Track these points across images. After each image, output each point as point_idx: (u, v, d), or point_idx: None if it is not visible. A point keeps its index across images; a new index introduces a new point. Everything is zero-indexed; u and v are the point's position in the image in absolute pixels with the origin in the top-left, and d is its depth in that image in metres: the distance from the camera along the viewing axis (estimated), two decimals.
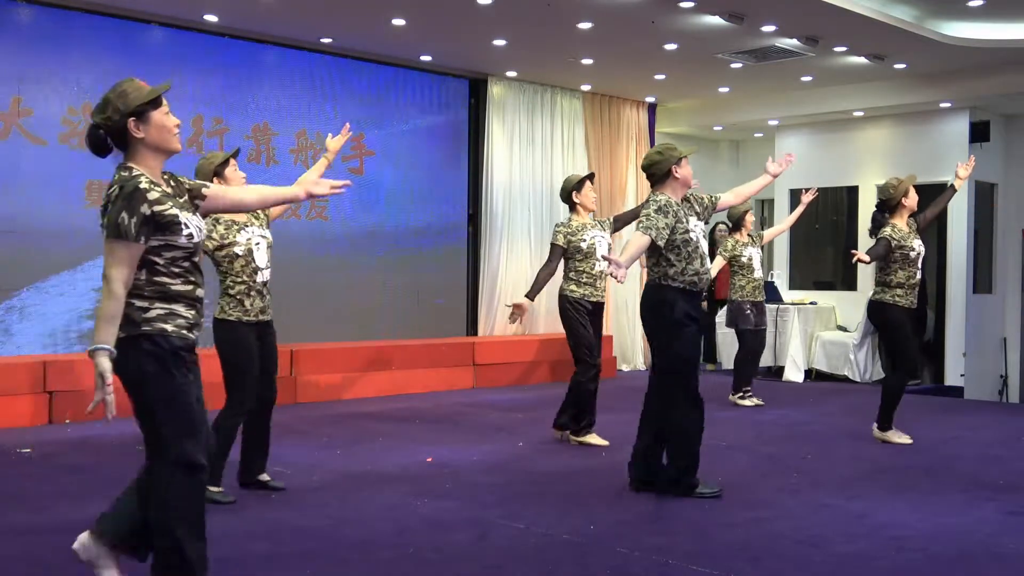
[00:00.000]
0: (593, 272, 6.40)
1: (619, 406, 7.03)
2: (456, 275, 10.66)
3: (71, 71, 8.04)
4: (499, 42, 9.16)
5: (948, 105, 10.62)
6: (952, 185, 6.90)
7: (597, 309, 6.48)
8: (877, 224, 6.69)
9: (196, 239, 3.17)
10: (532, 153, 11.03)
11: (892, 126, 11.35)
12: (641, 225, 4.90)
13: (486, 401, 8.72)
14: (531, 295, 6.55)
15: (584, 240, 6.37)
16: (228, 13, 8.32)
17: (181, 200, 3.25)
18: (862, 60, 9.55)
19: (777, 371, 10.81)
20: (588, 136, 11.46)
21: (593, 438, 6.54)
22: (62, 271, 8.02)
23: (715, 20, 8.19)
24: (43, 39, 7.89)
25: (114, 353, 3.02)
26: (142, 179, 3.13)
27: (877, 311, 6.64)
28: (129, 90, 3.18)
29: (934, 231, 10.88)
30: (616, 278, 4.55)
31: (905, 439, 6.64)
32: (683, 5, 7.82)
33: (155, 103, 3.21)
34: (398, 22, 8.47)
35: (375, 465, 5.66)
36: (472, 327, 10.80)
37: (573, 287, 6.43)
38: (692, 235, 4.95)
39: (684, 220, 4.95)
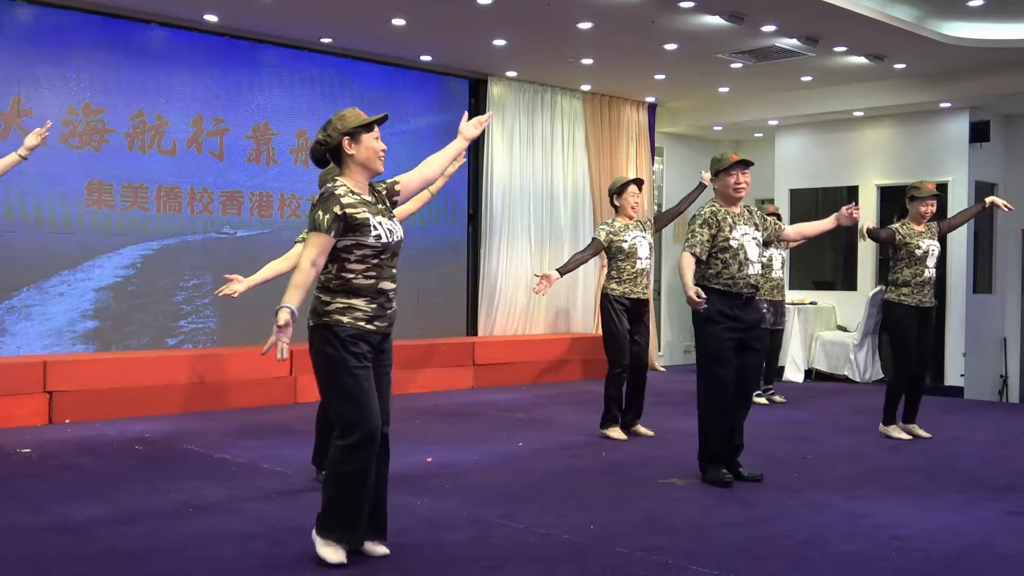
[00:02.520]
0: (634, 270, 6.66)
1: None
2: (456, 275, 10.66)
3: (71, 71, 8.04)
4: (499, 42, 9.16)
5: (948, 105, 10.62)
6: (985, 202, 6.96)
7: (637, 306, 6.73)
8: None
9: (385, 240, 3.74)
10: (532, 153, 11.02)
11: (892, 126, 11.35)
12: (687, 244, 5.32)
13: (486, 401, 8.72)
14: (562, 271, 6.75)
15: (626, 241, 6.67)
16: (228, 13, 8.32)
17: (381, 207, 3.84)
18: (862, 60, 9.55)
19: (777, 371, 10.81)
20: (588, 136, 11.46)
21: (612, 431, 6.73)
22: (62, 271, 8.02)
23: (715, 20, 8.19)
24: (43, 39, 7.89)
25: (295, 313, 3.56)
26: (341, 187, 3.75)
27: (886, 309, 6.81)
28: (348, 115, 3.84)
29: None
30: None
31: (903, 435, 6.74)
32: (683, 5, 7.82)
33: (368, 128, 3.84)
34: (398, 22, 8.47)
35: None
36: (472, 327, 10.80)
37: (614, 285, 6.71)
38: (732, 243, 5.28)
39: (727, 228, 5.29)
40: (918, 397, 6.87)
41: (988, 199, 6.95)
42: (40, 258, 7.89)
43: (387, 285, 3.80)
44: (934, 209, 6.78)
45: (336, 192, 3.71)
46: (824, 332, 11.26)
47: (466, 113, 4.28)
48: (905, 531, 4.36)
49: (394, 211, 3.97)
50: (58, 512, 4.59)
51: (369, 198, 3.84)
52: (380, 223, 3.76)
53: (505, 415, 7.91)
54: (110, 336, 8.25)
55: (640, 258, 6.69)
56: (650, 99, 11.95)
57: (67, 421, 7.24)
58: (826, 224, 5.71)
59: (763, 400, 8.55)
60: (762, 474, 5.45)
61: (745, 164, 5.44)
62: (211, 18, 8.40)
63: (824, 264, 12.32)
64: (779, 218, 8.84)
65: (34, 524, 4.39)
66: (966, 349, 10.70)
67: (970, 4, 8.23)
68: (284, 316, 3.54)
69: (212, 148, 8.82)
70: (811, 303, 11.35)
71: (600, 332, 7.24)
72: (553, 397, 9.02)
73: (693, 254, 5.26)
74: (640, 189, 6.88)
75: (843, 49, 9.18)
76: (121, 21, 8.26)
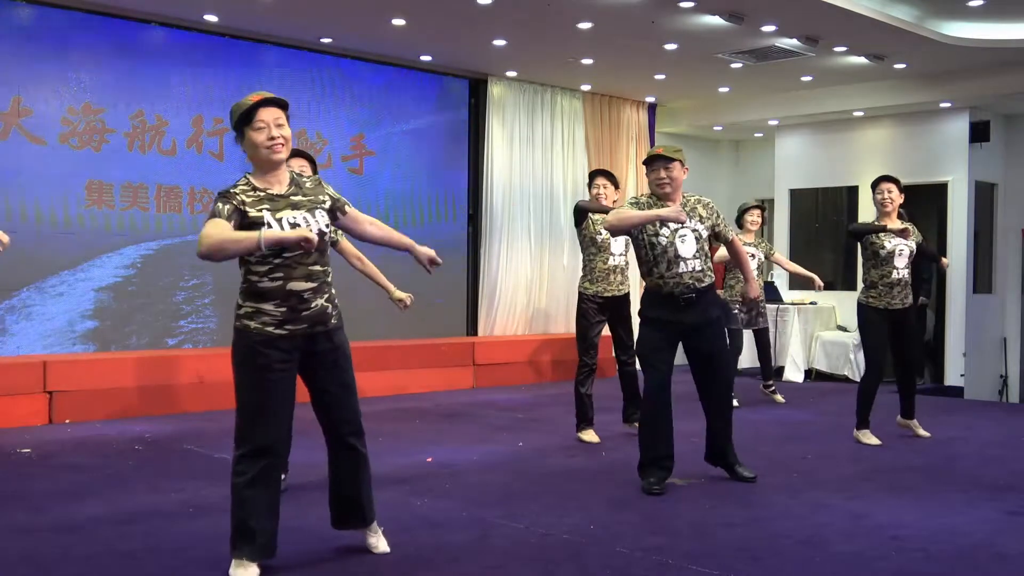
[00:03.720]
0: (606, 266, 6.49)
1: (620, 406, 7.02)
2: (456, 275, 10.66)
3: (71, 71, 8.04)
4: (499, 42, 9.17)
5: (948, 105, 10.62)
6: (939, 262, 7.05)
7: (615, 303, 6.56)
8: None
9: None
10: (532, 153, 11.02)
11: (892, 126, 11.35)
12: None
13: (486, 401, 8.72)
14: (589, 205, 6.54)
15: (599, 234, 6.46)
16: (228, 13, 8.32)
17: (300, 200, 3.59)
18: (862, 60, 9.55)
19: (777, 371, 10.81)
20: (588, 136, 11.46)
21: (586, 435, 6.61)
22: (62, 271, 8.03)
23: (715, 20, 8.19)
24: (43, 39, 7.89)
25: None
26: (241, 185, 3.59)
27: (857, 311, 6.65)
28: (233, 107, 3.62)
29: (934, 231, 10.88)
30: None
31: (874, 440, 6.55)
32: (683, 5, 7.82)
33: (246, 119, 3.58)
34: (398, 22, 8.47)
35: (375, 465, 5.61)
36: (472, 327, 10.81)
37: (587, 284, 6.58)
38: (662, 239, 5.07)
39: (656, 223, 5.06)
40: (910, 394, 6.78)
41: (944, 261, 7.02)
42: (40, 258, 7.89)
43: (299, 285, 3.54)
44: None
45: (232, 190, 3.56)
46: (824, 332, 11.26)
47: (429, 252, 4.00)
48: (905, 531, 4.36)
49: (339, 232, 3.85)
50: (58, 512, 4.60)
51: (279, 191, 3.59)
52: (281, 218, 3.51)
53: (505, 415, 7.91)
54: (110, 336, 8.25)
55: (613, 254, 6.47)
56: (650, 99, 11.96)
57: (67, 421, 7.25)
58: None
59: (735, 403, 8.25)
60: (755, 476, 5.40)
61: (664, 159, 5.09)
62: (211, 18, 8.40)
63: (824, 264, 12.31)
64: (763, 210, 8.74)
65: (34, 524, 4.39)
66: (966, 349, 10.70)
67: (970, 4, 8.23)
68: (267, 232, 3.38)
69: (212, 148, 8.82)
70: (811, 303, 11.35)
71: (608, 332, 7.08)
72: (553, 397, 9.02)
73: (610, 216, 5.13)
74: (610, 182, 6.67)
75: (843, 49, 9.18)
76: (121, 21, 8.26)
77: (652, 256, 5.10)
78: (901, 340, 6.57)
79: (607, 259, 6.48)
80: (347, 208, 3.78)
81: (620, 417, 7.00)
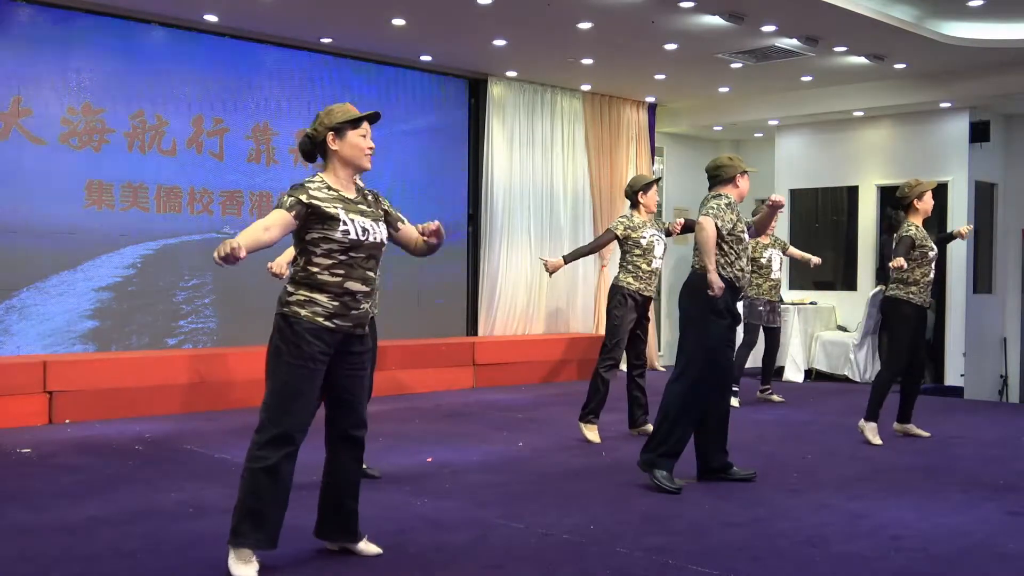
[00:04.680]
0: (649, 268, 6.66)
1: (621, 406, 7.03)
2: (456, 275, 10.67)
3: (71, 71, 8.04)
4: (499, 42, 9.16)
5: (948, 105, 10.62)
6: (956, 234, 7.27)
7: (646, 303, 6.75)
8: (892, 222, 6.85)
9: (354, 237, 3.64)
10: (532, 153, 11.02)
11: (892, 126, 11.35)
12: (710, 212, 5.21)
13: (486, 401, 8.72)
14: (567, 258, 6.85)
15: (644, 237, 6.65)
16: (228, 13, 8.32)
17: (366, 209, 3.76)
18: (862, 60, 9.55)
19: (777, 371, 10.81)
20: (588, 136, 11.46)
21: (589, 430, 6.64)
22: (62, 271, 8.02)
23: (715, 20, 8.19)
24: (43, 39, 7.89)
25: (241, 248, 3.33)
26: (316, 182, 3.69)
27: (892, 306, 6.69)
28: (336, 110, 3.76)
29: (933, 230, 10.85)
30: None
31: (877, 440, 6.58)
32: (683, 5, 7.82)
33: (355, 124, 3.74)
34: (398, 22, 8.47)
35: (375, 465, 5.66)
36: (472, 327, 10.80)
37: (630, 279, 6.68)
38: (745, 236, 5.35)
39: (742, 221, 5.34)
40: (914, 396, 6.84)
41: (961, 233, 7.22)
42: (40, 258, 7.89)
43: (355, 286, 3.70)
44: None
45: (306, 184, 3.67)
46: (824, 332, 11.26)
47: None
48: (905, 531, 4.36)
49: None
50: (58, 512, 4.60)
51: (350, 195, 3.76)
52: (354, 220, 3.68)
53: (505, 415, 7.91)
54: (110, 336, 8.25)
55: (655, 256, 6.68)
56: (650, 99, 11.96)
57: (67, 421, 7.25)
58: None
59: (735, 403, 8.27)
60: (754, 472, 5.42)
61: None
62: (211, 18, 8.40)
63: (824, 264, 12.28)
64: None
65: (34, 524, 4.39)
66: (966, 349, 10.70)
67: (970, 4, 8.23)
68: (233, 241, 3.32)
69: (212, 148, 8.82)
70: (811, 303, 11.35)
71: (603, 327, 7.21)
72: (553, 397, 9.02)
73: (716, 224, 5.21)
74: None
75: (843, 49, 9.18)
76: (121, 21, 8.26)
77: (737, 250, 5.27)
78: (923, 337, 6.77)
79: (651, 261, 6.66)
80: (400, 225, 3.95)
81: (622, 417, 7.01)
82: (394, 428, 7.15)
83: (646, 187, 6.74)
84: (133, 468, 5.69)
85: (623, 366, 7.02)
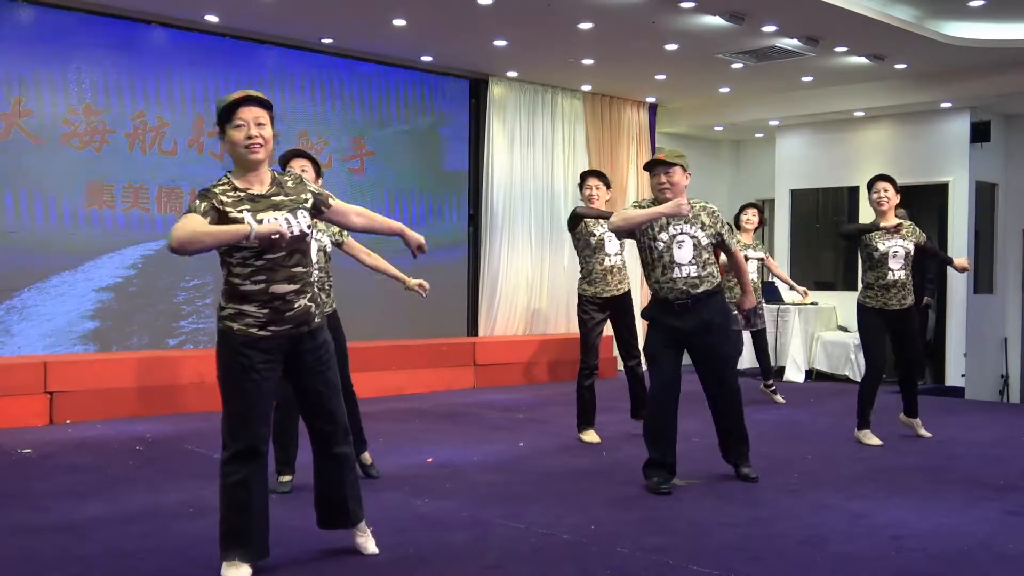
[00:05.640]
0: (603, 267, 6.44)
1: (620, 406, 7.03)
2: (457, 275, 10.67)
3: (72, 71, 8.04)
4: (500, 42, 9.17)
5: (949, 105, 10.62)
6: (951, 263, 6.86)
7: (616, 302, 6.52)
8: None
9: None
10: (533, 153, 11.03)
11: (893, 126, 11.35)
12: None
13: (486, 401, 8.73)
14: (584, 211, 6.53)
15: (594, 234, 6.43)
16: (229, 13, 8.32)
17: (282, 200, 3.57)
18: (863, 60, 9.55)
19: (778, 371, 10.81)
20: (589, 136, 11.47)
21: (586, 435, 6.62)
22: (63, 271, 8.03)
23: (716, 20, 8.20)
24: (44, 39, 7.89)
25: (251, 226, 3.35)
26: (222, 185, 3.55)
27: (856, 311, 6.63)
28: (218, 102, 3.56)
29: (935, 231, 10.87)
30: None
31: (875, 440, 6.55)
32: (684, 5, 7.82)
33: (227, 116, 3.50)
34: (399, 22, 8.47)
35: (375, 465, 5.66)
36: (473, 327, 10.81)
37: (585, 285, 6.54)
38: (659, 243, 5.11)
39: (655, 228, 5.13)
40: (912, 394, 6.77)
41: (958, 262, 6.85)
42: (41, 258, 7.90)
43: (281, 288, 3.52)
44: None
45: (213, 189, 3.52)
46: (825, 332, 11.26)
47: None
48: (905, 531, 4.36)
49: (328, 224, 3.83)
50: (58, 512, 4.60)
51: (260, 191, 3.55)
52: (263, 220, 3.46)
53: (505, 415, 7.91)
54: (111, 336, 8.26)
55: (609, 253, 6.42)
56: (651, 99, 11.96)
57: (68, 421, 7.25)
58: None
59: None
60: (757, 476, 5.42)
61: (664, 164, 5.13)
62: (212, 19, 8.40)
63: (825, 264, 12.32)
64: (761, 210, 8.72)
65: (35, 524, 4.39)
66: (967, 349, 10.69)
67: (970, 4, 8.23)
68: (247, 227, 3.35)
69: (213, 149, 8.82)
70: (812, 303, 11.34)
71: (612, 333, 6.99)
72: (554, 397, 9.02)
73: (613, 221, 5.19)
74: (603, 183, 6.59)
75: (843, 49, 9.18)
76: (122, 22, 8.27)
77: (651, 260, 5.14)
78: (901, 341, 6.55)
79: (603, 259, 6.44)
80: (331, 201, 3.76)
81: (621, 417, 7.01)
82: (394, 428, 7.15)
83: (581, 179, 6.59)
84: (133, 468, 5.69)
85: (619, 366, 6.97)
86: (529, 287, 10.98)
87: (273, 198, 3.57)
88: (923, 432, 6.85)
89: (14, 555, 3.93)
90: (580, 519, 4.52)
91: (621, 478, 5.42)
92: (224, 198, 3.49)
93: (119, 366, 7.61)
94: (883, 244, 6.34)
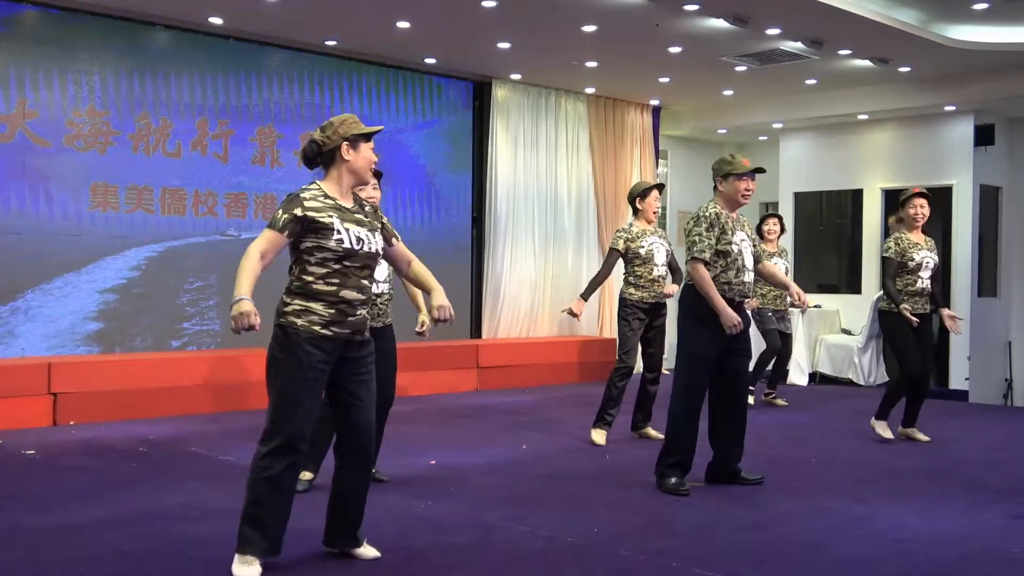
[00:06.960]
0: (651, 276, 6.63)
1: (624, 408, 7.02)
2: (460, 278, 10.66)
3: (76, 73, 8.05)
4: (503, 45, 9.17)
5: (953, 108, 10.61)
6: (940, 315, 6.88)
7: (655, 309, 6.71)
8: (890, 231, 7.02)
9: (348, 246, 3.66)
10: (536, 156, 11.03)
11: (897, 129, 11.34)
12: (694, 250, 5.14)
13: (490, 404, 8.72)
14: (585, 296, 6.83)
15: (643, 247, 6.63)
16: (233, 15, 8.34)
17: (362, 219, 3.77)
18: (867, 63, 9.55)
19: (781, 375, 10.79)
20: (592, 139, 11.46)
21: (597, 434, 6.70)
22: (67, 273, 8.04)
23: (719, 23, 8.20)
24: (48, 41, 7.91)
25: (249, 300, 3.50)
26: (311, 191, 3.71)
27: (882, 318, 6.79)
28: (349, 120, 3.78)
29: (939, 234, 10.86)
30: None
31: (888, 433, 6.77)
32: (687, 8, 7.83)
33: (367, 137, 3.79)
34: (403, 25, 8.48)
35: (378, 467, 5.66)
36: (476, 330, 10.81)
37: (632, 290, 6.67)
38: (734, 247, 5.19)
39: (728, 232, 5.19)
40: (920, 402, 6.85)
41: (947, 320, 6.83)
42: (45, 260, 7.91)
43: (350, 295, 3.70)
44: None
45: (301, 195, 3.69)
46: (828, 335, 11.25)
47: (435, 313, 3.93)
48: (908, 534, 4.36)
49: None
50: (62, 513, 4.60)
51: (346, 204, 3.77)
52: (348, 229, 3.69)
53: (509, 418, 7.90)
54: (114, 338, 8.27)
55: (657, 264, 6.64)
56: (654, 102, 11.96)
57: (71, 423, 7.26)
58: (784, 283, 5.74)
59: (751, 401, 8.39)
60: (762, 476, 5.43)
61: (758, 171, 5.39)
62: (216, 20, 8.41)
63: (829, 268, 12.31)
64: (781, 219, 8.87)
65: (38, 525, 4.40)
66: (971, 353, 10.68)
67: (975, 7, 8.22)
68: (245, 307, 3.48)
69: (217, 150, 8.83)
70: (815, 306, 11.33)
71: (615, 335, 7.20)
72: (557, 400, 9.02)
73: (704, 261, 5.13)
74: (660, 194, 6.89)
75: (847, 52, 9.18)
76: (126, 23, 8.28)
77: (726, 262, 5.19)
78: (921, 344, 6.72)
79: (652, 270, 6.63)
80: (394, 241, 3.97)
81: (623, 420, 7.00)
82: (398, 430, 7.14)
83: (644, 193, 6.73)
84: (137, 470, 5.70)
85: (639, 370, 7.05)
86: (533, 289, 10.98)
87: (356, 214, 3.78)
88: (921, 437, 6.85)
89: (18, 556, 3.93)
90: (583, 522, 4.52)
91: (625, 481, 5.42)
92: (314, 203, 3.66)
93: (123, 368, 7.62)
94: (918, 254, 6.63)
